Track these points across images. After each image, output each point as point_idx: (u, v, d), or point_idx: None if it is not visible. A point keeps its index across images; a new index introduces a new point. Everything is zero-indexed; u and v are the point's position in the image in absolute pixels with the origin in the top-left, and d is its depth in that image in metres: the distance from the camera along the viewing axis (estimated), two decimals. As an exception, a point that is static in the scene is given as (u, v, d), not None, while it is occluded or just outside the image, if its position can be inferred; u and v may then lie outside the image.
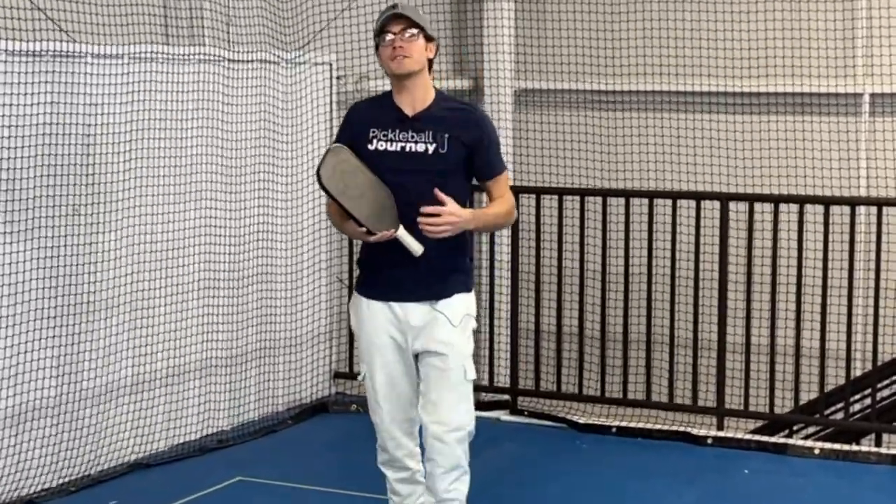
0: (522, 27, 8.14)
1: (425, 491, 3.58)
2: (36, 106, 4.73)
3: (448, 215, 3.21)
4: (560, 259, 6.32)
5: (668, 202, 6.06)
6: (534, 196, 6.32)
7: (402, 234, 3.26)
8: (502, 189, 3.50)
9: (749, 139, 7.65)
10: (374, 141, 3.40)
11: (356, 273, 3.81)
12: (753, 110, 7.67)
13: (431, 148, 3.37)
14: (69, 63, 4.98)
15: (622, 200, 6.14)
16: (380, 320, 3.46)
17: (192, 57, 5.60)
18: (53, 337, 4.97)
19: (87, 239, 5.11)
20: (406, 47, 3.29)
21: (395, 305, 3.43)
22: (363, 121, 3.48)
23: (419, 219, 3.22)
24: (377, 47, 3.41)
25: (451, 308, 3.44)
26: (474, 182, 3.60)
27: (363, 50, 6.70)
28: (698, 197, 6.20)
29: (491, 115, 7.49)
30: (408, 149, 3.38)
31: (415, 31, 3.32)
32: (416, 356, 3.49)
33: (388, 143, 3.40)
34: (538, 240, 6.42)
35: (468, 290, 3.55)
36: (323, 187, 3.23)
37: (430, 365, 3.45)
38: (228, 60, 5.78)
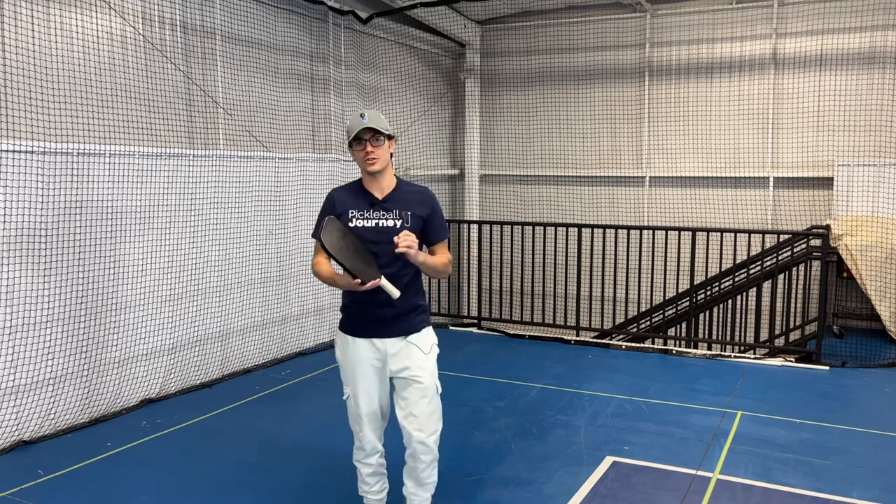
0: (483, 140, 10.58)
1: (386, 479, 3.59)
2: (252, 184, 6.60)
3: (405, 236, 3.12)
4: (501, 256, 9.18)
5: (564, 229, 8.58)
6: (496, 225, 9.02)
7: (384, 281, 3.16)
8: (443, 250, 3.40)
9: (598, 200, 10.06)
10: (353, 220, 3.29)
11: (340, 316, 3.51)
12: (601, 183, 10.06)
13: (398, 223, 3.27)
14: (260, 161, 6.77)
15: (541, 228, 8.67)
16: (363, 353, 3.33)
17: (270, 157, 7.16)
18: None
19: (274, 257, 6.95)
20: (375, 151, 3.22)
21: (377, 341, 3.32)
22: (343, 203, 3.32)
23: (396, 238, 3.09)
24: (350, 146, 3.25)
25: (421, 340, 3.38)
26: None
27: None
28: (570, 226, 8.36)
29: (467, 189, 9.75)
30: (380, 224, 3.28)
31: (380, 137, 3.21)
32: (392, 377, 3.36)
33: (365, 221, 3.30)
34: (492, 249, 8.91)
35: (429, 324, 3.44)
36: (326, 250, 3.04)
37: (409, 385, 3.30)
38: (284, 158, 7.37)
